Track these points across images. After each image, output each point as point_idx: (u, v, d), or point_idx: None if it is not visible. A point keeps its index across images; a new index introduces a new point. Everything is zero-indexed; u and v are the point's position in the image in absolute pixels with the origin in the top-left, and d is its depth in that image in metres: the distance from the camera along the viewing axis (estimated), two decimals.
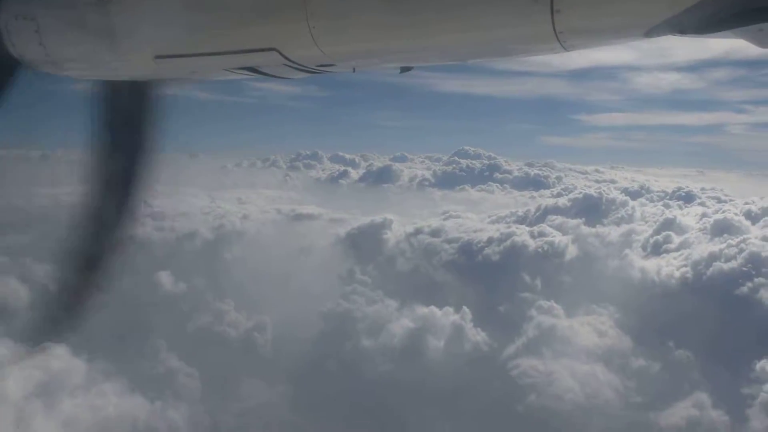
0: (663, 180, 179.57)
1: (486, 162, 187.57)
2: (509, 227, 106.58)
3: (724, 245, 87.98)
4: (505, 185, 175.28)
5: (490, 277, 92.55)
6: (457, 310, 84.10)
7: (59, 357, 62.05)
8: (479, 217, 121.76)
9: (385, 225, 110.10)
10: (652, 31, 3.68)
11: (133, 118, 5.85)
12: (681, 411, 68.67)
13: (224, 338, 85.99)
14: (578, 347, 79.21)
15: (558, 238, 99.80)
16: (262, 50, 4.44)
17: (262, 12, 4.31)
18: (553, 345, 79.14)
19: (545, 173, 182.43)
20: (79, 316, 6.47)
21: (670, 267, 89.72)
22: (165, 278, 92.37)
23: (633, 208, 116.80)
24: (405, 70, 5.05)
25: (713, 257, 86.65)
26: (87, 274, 6.41)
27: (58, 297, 6.55)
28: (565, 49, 3.88)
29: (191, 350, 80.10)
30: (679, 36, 3.70)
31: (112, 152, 5.93)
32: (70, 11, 4.82)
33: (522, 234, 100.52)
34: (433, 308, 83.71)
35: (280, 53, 4.41)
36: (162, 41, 4.66)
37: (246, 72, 4.83)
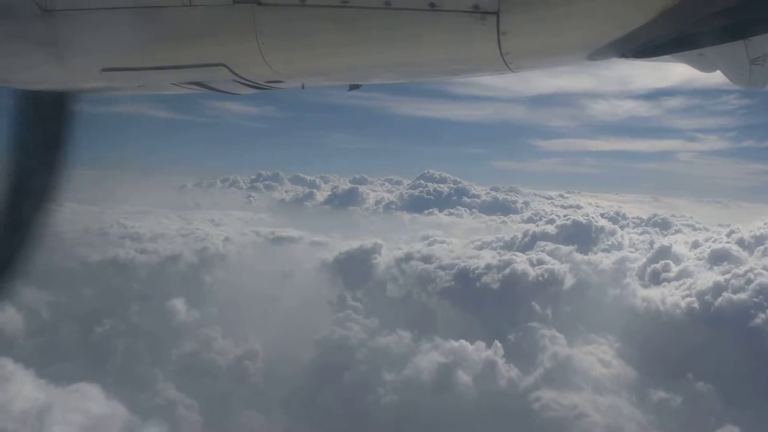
0: (626, 206, 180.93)
1: (453, 186, 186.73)
2: (502, 254, 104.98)
3: (729, 275, 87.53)
4: (473, 209, 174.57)
5: (493, 306, 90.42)
6: (465, 338, 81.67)
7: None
8: (461, 242, 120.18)
9: (374, 250, 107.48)
10: (595, 54, 3.71)
11: (49, 131, 5.79)
12: None
13: (214, 366, 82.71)
14: (593, 379, 77.69)
15: (557, 265, 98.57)
16: (211, 65, 4.34)
17: (211, 27, 4.17)
18: (568, 376, 77.38)
19: (512, 198, 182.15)
20: None
21: (673, 297, 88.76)
22: (153, 302, 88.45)
23: (621, 235, 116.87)
24: (353, 87, 5.21)
25: (720, 287, 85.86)
26: None
27: None
28: (511, 71, 3.89)
29: (185, 379, 76.89)
30: (621, 59, 3.86)
31: (25, 163, 5.88)
32: (13, 22, 4.53)
33: (521, 261, 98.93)
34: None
35: (229, 69, 4.32)
36: (109, 54, 4.49)
37: (194, 87, 4.82)
